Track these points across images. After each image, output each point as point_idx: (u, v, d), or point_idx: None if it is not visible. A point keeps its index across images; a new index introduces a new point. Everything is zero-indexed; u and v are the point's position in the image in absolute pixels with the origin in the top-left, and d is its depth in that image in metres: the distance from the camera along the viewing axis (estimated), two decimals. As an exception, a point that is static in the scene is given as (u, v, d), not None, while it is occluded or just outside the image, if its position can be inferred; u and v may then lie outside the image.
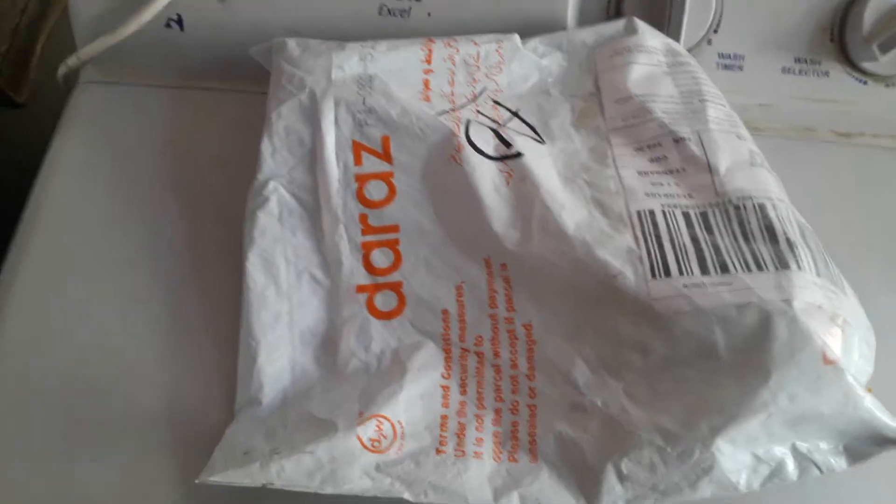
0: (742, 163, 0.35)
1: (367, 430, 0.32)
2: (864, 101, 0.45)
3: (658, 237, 0.33)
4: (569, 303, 0.34)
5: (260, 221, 0.36)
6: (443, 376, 0.35)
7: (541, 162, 0.36)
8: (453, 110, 0.37)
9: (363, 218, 0.36)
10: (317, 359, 0.36)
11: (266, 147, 0.37)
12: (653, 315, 0.31)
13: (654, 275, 0.32)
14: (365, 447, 0.32)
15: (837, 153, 0.46)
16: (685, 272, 0.32)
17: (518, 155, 0.36)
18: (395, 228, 0.36)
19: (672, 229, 0.33)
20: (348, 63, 0.37)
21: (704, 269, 0.32)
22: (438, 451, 0.33)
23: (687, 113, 0.37)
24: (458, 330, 0.36)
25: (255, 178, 0.37)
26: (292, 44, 0.39)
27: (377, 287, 0.36)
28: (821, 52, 0.44)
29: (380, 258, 0.36)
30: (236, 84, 0.44)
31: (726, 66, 0.44)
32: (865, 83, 0.45)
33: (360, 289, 0.36)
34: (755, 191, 0.34)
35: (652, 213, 0.34)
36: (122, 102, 0.44)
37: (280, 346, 0.35)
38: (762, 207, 0.33)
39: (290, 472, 0.31)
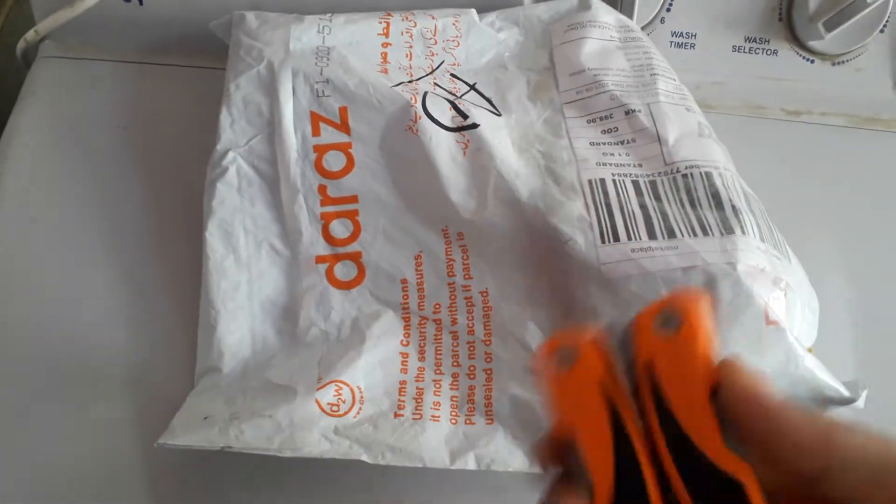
0: (690, 133, 0.36)
1: (326, 395, 0.33)
2: (811, 80, 0.46)
3: (608, 205, 0.34)
4: (523, 269, 0.35)
5: (219, 192, 0.36)
6: (402, 343, 0.36)
7: (497, 133, 0.37)
8: (410, 82, 0.38)
9: (322, 188, 0.37)
10: (277, 328, 0.36)
11: (225, 118, 0.37)
12: (602, 279, 0.32)
13: (603, 240, 0.33)
14: (323, 411, 0.32)
15: (786, 131, 0.47)
16: (633, 237, 0.33)
17: (474, 126, 0.36)
18: (353, 199, 0.37)
19: (622, 197, 0.34)
20: (306, 35, 0.38)
21: (652, 235, 0.33)
22: (396, 415, 0.34)
23: (638, 86, 0.38)
24: (417, 298, 0.36)
25: (214, 149, 0.37)
26: (251, 16, 0.39)
27: (337, 257, 0.37)
28: (770, 31, 0.45)
29: (339, 228, 0.37)
30: (197, 59, 0.44)
31: (679, 45, 0.45)
32: (812, 62, 0.46)
33: (320, 259, 0.37)
34: (702, 160, 0.35)
35: (603, 181, 0.35)
36: (81, 77, 0.44)
37: (240, 316, 0.36)
38: (709, 175, 0.34)
39: (249, 435, 0.31)
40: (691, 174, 0.35)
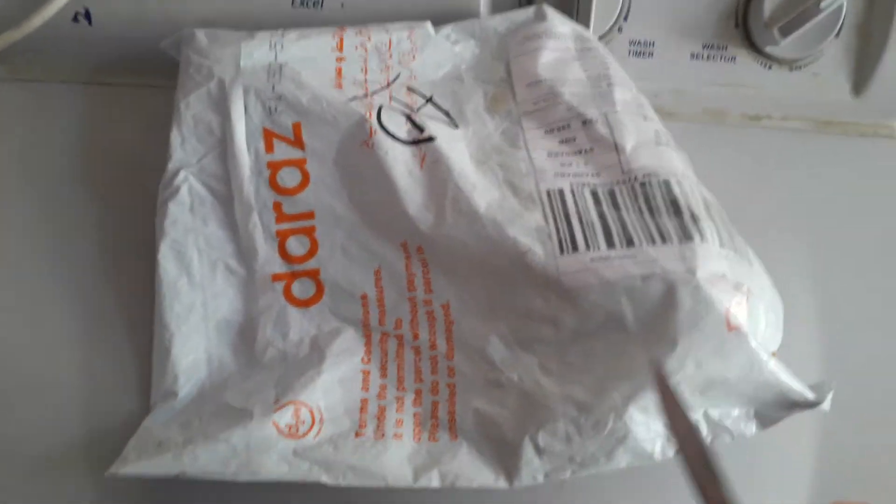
0: (647, 142, 0.36)
1: (284, 416, 0.32)
2: (769, 85, 0.46)
3: (567, 215, 0.34)
4: (483, 282, 0.34)
5: (171, 212, 0.36)
6: (362, 361, 0.35)
7: (454, 146, 0.36)
8: (366, 97, 0.37)
9: (277, 206, 0.36)
10: (234, 349, 0.36)
11: (175, 137, 0.36)
12: (562, 289, 0.32)
13: (562, 250, 0.33)
14: (281, 433, 0.32)
15: (747, 136, 0.47)
16: (592, 247, 0.32)
17: (430, 139, 0.36)
18: (310, 215, 0.36)
19: (580, 206, 0.34)
20: (258, 51, 0.37)
21: (611, 244, 0.32)
22: (357, 435, 0.33)
23: (595, 96, 0.38)
24: (378, 314, 0.36)
25: (166, 169, 0.36)
26: (200, 34, 0.38)
27: (294, 275, 0.36)
28: (727, 37, 0.46)
29: (295, 246, 0.36)
30: (148, 79, 0.43)
31: (637, 53, 0.45)
32: (770, 67, 0.46)
33: (276, 277, 0.36)
34: (660, 168, 0.35)
35: (561, 191, 0.34)
36: (30, 99, 0.43)
37: (195, 338, 0.35)
38: (667, 184, 0.34)
39: (203, 460, 0.30)
40: (649, 182, 0.34)
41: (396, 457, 0.32)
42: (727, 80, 0.46)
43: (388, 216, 0.36)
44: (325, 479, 0.31)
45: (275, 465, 0.31)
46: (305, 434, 0.32)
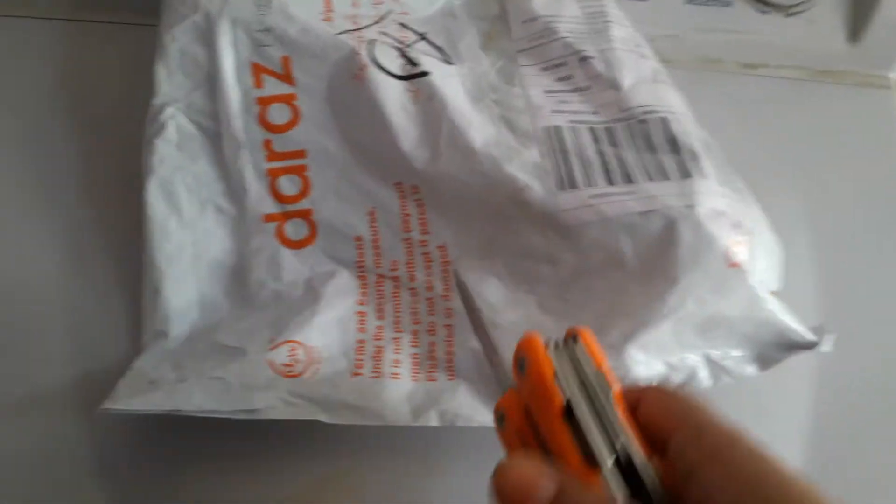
0: (645, 79, 0.35)
1: (280, 355, 0.31)
2: (765, 32, 0.46)
3: (564, 151, 0.33)
4: (480, 220, 0.34)
5: (158, 149, 0.34)
6: (358, 303, 0.34)
7: (448, 81, 0.35)
8: (356, 30, 0.36)
9: (267, 143, 0.35)
10: (226, 290, 0.35)
11: (160, 71, 0.35)
12: (561, 226, 0.31)
13: (561, 187, 0.32)
14: (277, 371, 0.31)
15: (743, 84, 0.47)
16: (591, 184, 0.32)
17: (424, 73, 0.35)
18: (301, 153, 0.35)
19: (578, 144, 0.33)
20: None
21: (610, 180, 0.32)
22: (355, 374, 0.32)
23: (591, 33, 0.37)
24: (373, 256, 0.35)
25: (151, 104, 0.35)
26: None
27: (286, 215, 0.35)
28: (723, -19, 0.45)
29: (287, 185, 0.35)
30: (130, 17, 0.42)
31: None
32: (766, 13, 0.45)
33: (269, 217, 0.35)
34: (658, 105, 0.34)
35: (558, 129, 0.34)
36: (11, 35, 0.42)
37: (186, 279, 0.34)
38: (665, 121, 0.34)
39: (198, 397, 0.29)
40: (648, 119, 0.34)
41: (395, 396, 0.32)
42: (722, 25, 0.46)
43: (381, 155, 0.35)
44: (322, 417, 0.30)
45: (272, 402, 0.30)
46: (301, 373, 0.31)
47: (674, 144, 0.33)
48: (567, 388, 0.21)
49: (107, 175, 0.38)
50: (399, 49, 0.36)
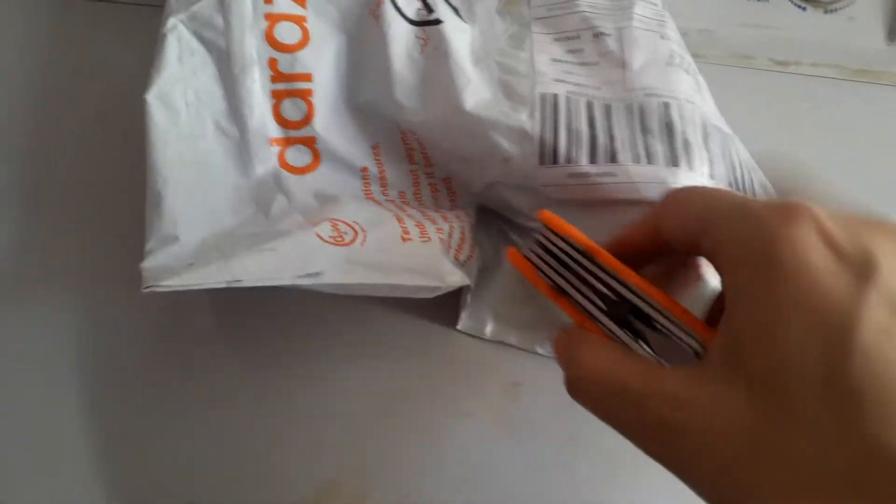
0: (658, 61, 0.35)
1: (324, 229, 0.30)
2: (802, 28, 0.45)
3: (556, 121, 0.33)
4: (476, 168, 0.34)
5: (156, 59, 0.33)
6: (377, 204, 0.35)
7: (458, 36, 0.35)
8: None
9: (273, 62, 0.34)
10: (234, 210, 0.33)
11: None
12: (542, 196, 0.32)
13: (541, 161, 0.32)
14: (327, 241, 0.30)
15: (775, 82, 0.46)
16: (573, 160, 0.32)
17: (438, 21, 0.34)
18: (307, 77, 0.35)
19: (572, 114, 0.33)
20: None
21: (593, 158, 0.32)
22: (404, 239, 0.32)
23: (614, 9, 0.37)
24: (380, 187, 0.35)
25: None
26: None
27: (289, 141, 0.35)
28: (761, -27, 0.44)
29: (291, 109, 0.35)
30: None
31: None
32: (805, 9, 0.45)
33: (272, 141, 0.35)
34: (663, 89, 0.34)
35: (555, 97, 0.34)
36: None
37: (191, 187, 0.32)
38: (666, 105, 0.33)
39: (254, 269, 0.28)
40: (648, 102, 0.33)
41: (448, 260, 0.31)
42: (758, 21, 0.45)
43: (378, 97, 0.35)
44: (381, 280, 0.29)
45: (332, 268, 0.28)
46: (351, 242, 0.30)
47: (669, 131, 0.32)
48: (549, 273, 0.25)
49: (102, 162, 0.38)
50: None
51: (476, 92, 0.34)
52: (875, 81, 0.46)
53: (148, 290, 0.27)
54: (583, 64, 0.35)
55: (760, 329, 0.18)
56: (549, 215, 0.25)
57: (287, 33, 0.34)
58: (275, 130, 0.35)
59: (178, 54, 0.33)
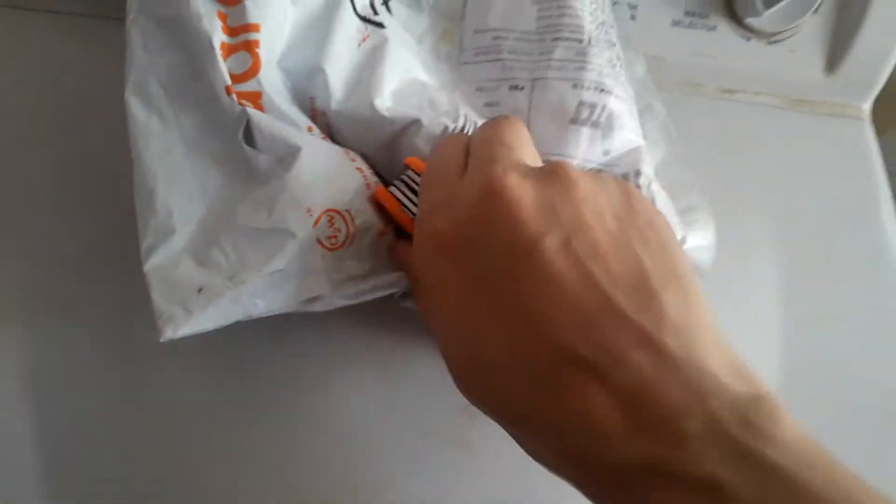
0: (561, 117, 0.35)
1: (322, 231, 0.31)
2: (746, 58, 0.46)
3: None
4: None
5: (127, 58, 0.33)
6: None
7: (398, 47, 0.36)
8: None
9: (221, 15, 0.33)
10: (226, 174, 0.33)
11: None
12: None
13: None
14: (326, 248, 0.31)
15: (721, 109, 0.47)
16: None
17: (381, 25, 0.35)
18: (255, 27, 0.33)
19: None
20: None
21: None
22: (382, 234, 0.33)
23: (534, 54, 0.37)
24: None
25: None
26: None
27: (240, 95, 0.33)
28: (709, 6, 0.45)
29: (235, 62, 0.33)
30: (92, 7, 0.42)
31: (620, 16, 0.44)
32: (749, 40, 0.46)
33: (229, 90, 0.32)
34: (556, 150, 0.35)
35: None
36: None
37: (182, 173, 0.32)
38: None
39: (263, 301, 0.30)
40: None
41: None
42: (705, 50, 0.46)
43: (305, 69, 0.35)
44: (370, 285, 0.32)
45: (333, 283, 0.31)
46: (343, 244, 0.32)
47: None
48: (411, 207, 0.32)
49: (76, 174, 0.39)
50: None
51: (398, 103, 0.35)
52: (812, 112, 0.47)
53: (166, 340, 0.28)
54: None
55: None
56: (413, 159, 0.32)
57: None
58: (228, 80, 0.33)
59: (143, 43, 0.33)
